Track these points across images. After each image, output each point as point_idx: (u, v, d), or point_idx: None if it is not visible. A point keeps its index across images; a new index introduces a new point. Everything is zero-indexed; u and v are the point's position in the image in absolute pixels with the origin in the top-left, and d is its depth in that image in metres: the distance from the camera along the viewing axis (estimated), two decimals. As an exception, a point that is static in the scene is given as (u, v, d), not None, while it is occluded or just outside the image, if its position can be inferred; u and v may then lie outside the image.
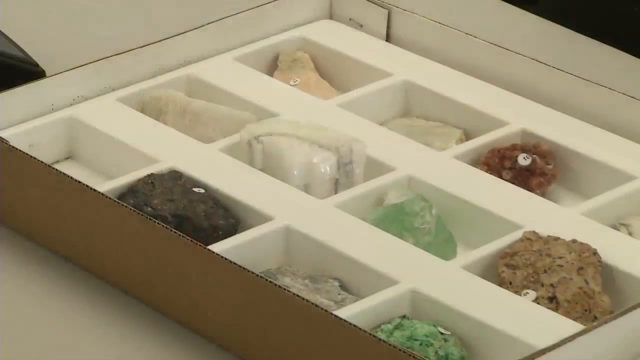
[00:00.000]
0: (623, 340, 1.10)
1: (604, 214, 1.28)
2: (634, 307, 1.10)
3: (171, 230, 1.20)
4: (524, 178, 1.33)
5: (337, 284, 1.22)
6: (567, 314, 1.16)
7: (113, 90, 1.47)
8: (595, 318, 1.15)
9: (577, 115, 1.41)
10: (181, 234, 1.20)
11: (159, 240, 1.22)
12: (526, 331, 1.12)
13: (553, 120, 1.41)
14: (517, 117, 1.41)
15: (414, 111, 1.47)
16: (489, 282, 1.19)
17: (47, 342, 1.20)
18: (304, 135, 1.34)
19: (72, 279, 1.29)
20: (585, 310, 1.16)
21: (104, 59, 1.46)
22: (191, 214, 1.27)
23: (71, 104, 1.45)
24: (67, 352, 1.20)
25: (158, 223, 1.22)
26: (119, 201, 1.26)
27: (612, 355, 1.09)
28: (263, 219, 1.27)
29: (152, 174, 1.32)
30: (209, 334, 1.21)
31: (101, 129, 1.41)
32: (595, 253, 1.21)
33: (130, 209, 1.24)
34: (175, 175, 1.32)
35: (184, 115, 1.42)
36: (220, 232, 1.26)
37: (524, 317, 1.15)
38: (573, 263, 1.19)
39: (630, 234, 1.25)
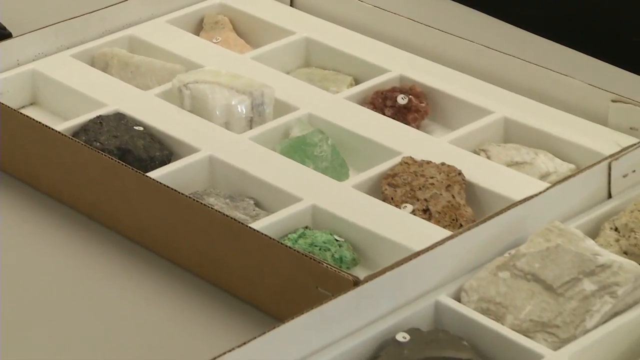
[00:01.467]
0: (483, 243, 1.09)
1: (467, 142, 1.27)
2: (491, 217, 1.09)
3: (116, 161, 1.20)
4: (402, 114, 1.32)
5: (252, 202, 1.20)
6: (438, 223, 1.15)
7: (68, 48, 1.44)
8: (461, 225, 1.15)
9: (444, 63, 1.40)
10: (124, 163, 1.20)
11: (107, 169, 1.21)
12: (405, 237, 1.12)
13: (425, 67, 1.39)
14: (396, 65, 1.39)
15: (313, 62, 1.45)
16: (375, 198, 1.18)
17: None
18: (224, 82, 1.32)
19: (37, 203, 1.27)
20: (453, 220, 1.16)
21: (60, 22, 1.44)
22: (132, 148, 1.25)
23: (33, 60, 1.42)
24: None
25: (105, 155, 1.21)
26: (73, 138, 1.25)
27: (473, 255, 1.08)
28: (191, 150, 1.26)
29: (100, 116, 1.30)
30: (149, 245, 1.20)
31: (58, 79, 1.39)
32: (460, 173, 1.20)
33: (83, 144, 1.23)
34: (119, 117, 1.30)
35: (126, 68, 1.40)
36: (157, 162, 1.25)
37: (403, 226, 1.14)
38: (442, 182, 1.18)
39: (488, 157, 1.24)
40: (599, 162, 1.16)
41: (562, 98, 1.29)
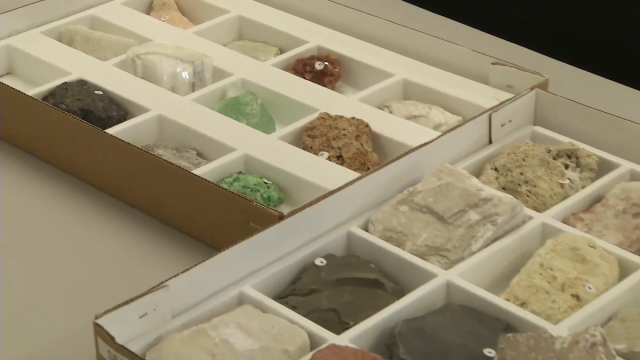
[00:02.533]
0: (386, 182, 1.09)
1: (373, 100, 1.26)
2: (392, 160, 1.09)
3: (79, 120, 1.19)
4: (319, 78, 1.30)
5: (194, 152, 1.19)
6: (349, 167, 1.15)
7: (38, 26, 1.40)
8: (368, 168, 1.13)
9: (354, 35, 1.38)
10: (87, 122, 1.18)
11: (72, 126, 1.19)
12: (322, 179, 1.11)
13: (338, 39, 1.37)
14: (314, 37, 1.37)
15: (245, 36, 1.43)
16: (297, 148, 1.18)
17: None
18: (170, 53, 1.30)
19: (14, 157, 1.26)
20: (362, 164, 1.15)
21: (30, 4, 1.41)
22: (93, 109, 1.23)
23: (8, 36, 1.39)
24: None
25: (70, 115, 1.20)
26: (43, 101, 1.23)
27: (378, 193, 1.08)
28: (143, 110, 1.24)
29: (65, 82, 1.27)
30: (108, 190, 1.19)
31: (30, 53, 1.36)
32: (367, 125, 1.19)
33: (51, 106, 1.22)
34: (82, 83, 1.28)
35: (88, 42, 1.37)
36: (114, 120, 1.22)
37: (320, 170, 1.13)
38: (352, 133, 1.18)
39: (390, 112, 1.24)
40: (481, 114, 1.15)
41: (450, 62, 1.29)
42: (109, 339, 0.89)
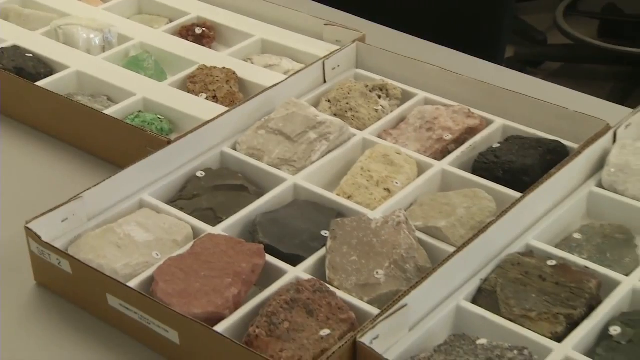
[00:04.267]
0: (249, 113, 1.06)
1: (239, 55, 1.21)
2: (253, 97, 1.06)
3: (14, 75, 1.12)
4: (199, 40, 1.25)
5: (105, 98, 1.13)
6: (222, 104, 1.10)
7: (-19, 7, 1.32)
8: (236, 104, 1.08)
9: (226, 8, 1.31)
10: (20, 77, 1.12)
11: (9, 81, 1.12)
12: (201, 113, 1.07)
13: (213, 11, 1.30)
14: (195, 10, 1.30)
15: (143, 11, 1.35)
16: (182, 91, 1.13)
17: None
18: (84, 24, 1.23)
19: None
20: (231, 101, 1.11)
21: None
22: (25, 67, 1.15)
23: (-43, 15, 1.29)
24: None
25: (7, 72, 1.13)
26: None
27: (243, 121, 1.05)
28: (64, 67, 1.16)
29: (2, 48, 1.19)
30: (40, 129, 1.12)
31: None
32: (234, 73, 1.15)
33: None
34: (16, 48, 1.19)
35: (20, 17, 1.28)
36: (42, 76, 1.15)
37: (200, 107, 1.09)
38: (224, 79, 1.14)
39: (252, 63, 1.19)
40: (317, 61, 1.13)
41: (295, 25, 1.25)
42: (38, 238, 0.87)
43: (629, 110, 1.01)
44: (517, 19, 2.49)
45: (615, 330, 0.77)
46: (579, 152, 0.94)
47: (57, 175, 1.05)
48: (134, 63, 1.18)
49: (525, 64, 2.37)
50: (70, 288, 0.87)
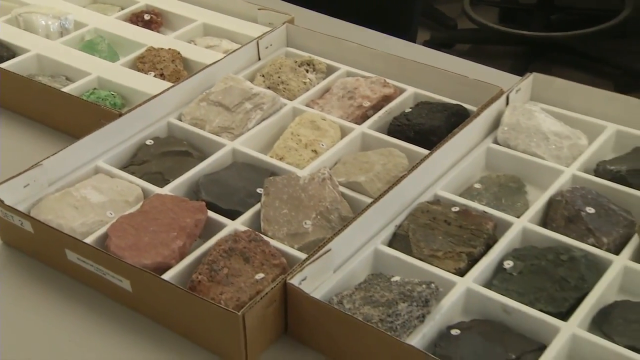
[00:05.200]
0: (192, 87, 1.02)
1: (183, 37, 1.17)
2: (196, 73, 1.03)
3: None
4: (148, 25, 1.21)
5: (64, 77, 1.09)
6: (169, 81, 1.06)
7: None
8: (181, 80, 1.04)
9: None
10: None
11: None
12: (150, 89, 1.03)
13: (167, 2, 1.25)
14: (145, -1, 1.26)
15: (99, 0, 1.30)
16: (133, 70, 1.09)
17: None
18: (43, 12, 1.18)
19: None
20: (177, 78, 1.07)
21: None
22: (-11, 51, 1.10)
23: None
24: None
25: None
26: None
27: (187, 94, 1.02)
28: (25, 51, 1.11)
29: (-32, 35, 1.13)
30: (6, 106, 1.06)
31: None
32: (179, 53, 1.11)
33: None
34: (-20, 35, 1.14)
35: (-15, 8, 1.22)
36: (4, 59, 1.10)
37: (150, 84, 1.05)
38: (170, 58, 1.10)
39: (195, 44, 1.16)
40: (252, 40, 1.10)
41: (232, 10, 1.21)
42: (1, 202, 0.82)
43: (519, 77, 1.01)
44: (432, 8, 2.50)
45: (508, 264, 0.77)
46: (477, 113, 0.94)
47: (22, 146, 1.00)
48: (89, 46, 1.13)
49: (440, 46, 2.37)
50: (33, 246, 0.83)
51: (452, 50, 2.42)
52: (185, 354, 0.74)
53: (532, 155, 0.91)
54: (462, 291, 0.75)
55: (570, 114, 0.97)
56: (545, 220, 0.84)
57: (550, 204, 0.85)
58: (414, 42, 1.46)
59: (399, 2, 1.50)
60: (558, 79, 0.98)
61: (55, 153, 0.89)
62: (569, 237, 0.80)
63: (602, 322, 0.72)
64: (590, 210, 0.81)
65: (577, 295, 0.74)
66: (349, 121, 0.98)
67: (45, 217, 0.83)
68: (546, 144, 0.91)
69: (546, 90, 0.99)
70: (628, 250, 0.78)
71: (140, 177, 0.90)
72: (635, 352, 0.68)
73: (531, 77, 0.99)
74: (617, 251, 0.79)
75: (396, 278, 0.75)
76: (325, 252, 0.76)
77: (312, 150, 0.93)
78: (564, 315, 0.73)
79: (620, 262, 0.77)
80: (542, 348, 0.70)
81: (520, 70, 2.27)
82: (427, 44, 2.29)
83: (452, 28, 2.48)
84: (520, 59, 2.29)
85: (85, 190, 0.87)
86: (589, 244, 0.79)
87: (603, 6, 2.33)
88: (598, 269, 0.76)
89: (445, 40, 2.42)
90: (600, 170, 0.88)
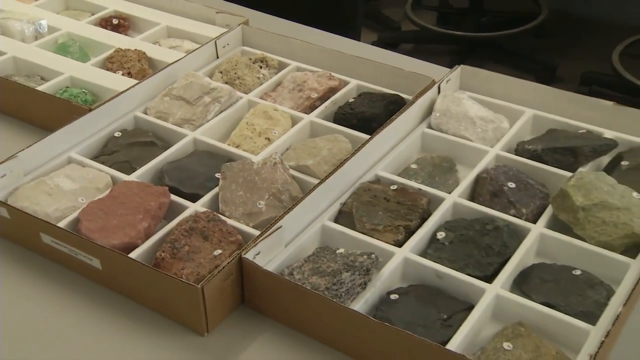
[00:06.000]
0: (157, 83, 0.99)
1: (149, 39, 1.13)
2: (160, 70, 0.99)
3: None
4: (116, 28, 1.17)
5: (39, 77, 1.05)
6: (135, 78, 1.03)
7: None
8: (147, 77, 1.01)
9: (137, 3, 1.22)
10: None
11: None
12: (118, 86, 0.99)
13: (127, 5, 1.21)
14: (112, 5, 1.21)
15: (70, 7, 1.25)
16: (103, 70, 1.04)
17: None
18: (18, 18, 1.14)
19: None
20: (143, 76, 1.03)
21: None
22: (-32, 55, 1.04)
23: None
24: None
25: None
26: None
27: (152, 90, 0.98)
28: (3, 53, 1.07)
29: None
30: None
31: None
32: (144, 53, 1.07)
33: None
34: (-40, 39, 1.08)
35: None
36: (-17, 61, 1.05)
37: (118, 82, 1.01)
38: (136, 58, 1.06)
39: (159, 45, 1.12)
40: (211, 41, 1.07)
41: (193, 14, 1.17)
42: (-22, 191, 0.78)
43: (448, 69, 1.00)
44: (378, 12, 2.51)
45: (441, 235, 0.76)
46: (413, 102, 0.92)
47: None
48: (62, 48, 1.09)
49: (386, 46, 2.37)
50: (10, 230, 0.80)
51: (397, 49, 2.42)
52: (151, 325, 0.72)
53: (462, 137, 0.90)
54: (400, 260, 0.74)
55: (493, 100, 0.96)
56: (473, 195, 0.83)
57: (477, 180, 0.84)
58: (359, 40, 1.44)
59: (344, 5, 1.48)
60: (483, 70, 0.98)
61: (30, 145, 0.85)
62: (494, 209, 0.79)
63: (521, 283, 0.72)
64: (512, 185, 0.81)
65: (500, 260, 0.74)
66: (299, 111, 0.96)
67: (21, 204, 0.80)
68: (473, 127, 0.91)
69: (473, 80, 0.98)
70: (543, 219, 0.78)
71: (110, 166, 0.87)
72: (550, 307, 0.68)
73: (459, 69, 0.99)
74: (534, 220, 0.79)
75: (341, 250, 0.74)
76: (277, 229, 0.74)
77: (266, 138, 0.91)
78: (489, 278, 0.72)
79: (537, 230, 0.77)
80: (470, 308, 0.69)
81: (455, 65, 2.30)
82: (375, 44, 2.29)
83: (397, 30, 2.49)
84: (457, 56, 2.30)
85: (59, 179, 0.84)
86: (510, 215, 0.78)
87: (525, 10, 2.36)
88: (518, 236, 0.76)
89: (391, 40, 2.42)
90: (519, 149, 0.88)
